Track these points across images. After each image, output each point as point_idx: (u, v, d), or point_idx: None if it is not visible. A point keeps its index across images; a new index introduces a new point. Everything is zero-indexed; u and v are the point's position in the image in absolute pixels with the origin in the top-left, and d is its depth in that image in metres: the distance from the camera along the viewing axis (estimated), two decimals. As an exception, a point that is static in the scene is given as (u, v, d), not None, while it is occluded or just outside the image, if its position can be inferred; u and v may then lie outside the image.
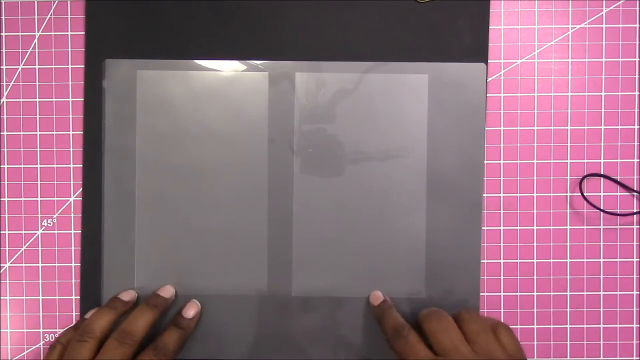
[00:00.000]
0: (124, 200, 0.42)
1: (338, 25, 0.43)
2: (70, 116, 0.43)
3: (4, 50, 0.43)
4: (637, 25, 0.43)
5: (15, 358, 0.43)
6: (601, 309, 0.43)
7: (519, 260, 0.43)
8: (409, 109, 0.42)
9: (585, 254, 0.43)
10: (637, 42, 0.43)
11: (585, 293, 0.43)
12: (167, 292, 0.42)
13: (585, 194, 0.43)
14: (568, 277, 0.43)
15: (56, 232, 0.43)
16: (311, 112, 0.42)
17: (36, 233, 0.43)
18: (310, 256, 0.42)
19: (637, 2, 0.43)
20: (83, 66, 0.43)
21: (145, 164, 0.42)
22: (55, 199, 0.43)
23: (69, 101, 0.43)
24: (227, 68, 0.42)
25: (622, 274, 0.43)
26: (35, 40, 0.43)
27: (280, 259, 0.43)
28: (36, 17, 0.43)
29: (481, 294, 0.43)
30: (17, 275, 0.43)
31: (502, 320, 0.43)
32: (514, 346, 0.36)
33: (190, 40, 0.43)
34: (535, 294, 0.43)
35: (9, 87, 0.43)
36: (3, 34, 0.43)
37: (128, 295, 0.41)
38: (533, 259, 0.43)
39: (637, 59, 0.43)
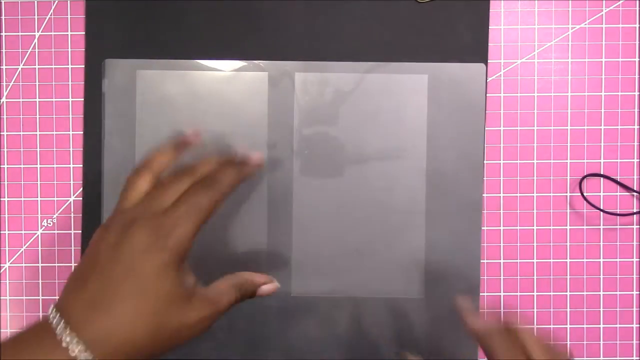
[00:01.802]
0: (124, 200, 0.42)
1: (338, 25, 0.43)
2: (70, 116, 0.43)
3: (4, 50, 0.43)
4: (637, 25, 0.43)
5: (15, 358, 0.43)
6: (601, 309, 0.43)
7: (519, 260, 0.43)
8: (408, 109, 0.42)
9: (585, 254, 0.43)
10: (637, 42, 0.43)
11: (585, 293, 0.43)
12: (258, 158, 0.37)
13: (585, 194, 0.43)
14: (568, 277, 0.43)
15: (56, 232, 0.43)
16: (311, 112, 0.42)
17: (36, 233, 0.43)
18: (310, 256, 0.42)
19: (637, 2, 0.43)
20: (83, 66, 0.43)
21: (145, 164, 0.42)
22: (55, 199, 0.43)
23: (69, 101, 0.43)
24: (227, 68, 0.42)
25: (622, 274, 0.43)
26: (35, 40, 0.43)
27: (280, 259, 0.43)
28: (36, 17, 0.43)
29: (481, 294, 0.43)
30: (17, 275, 0.43)
31: (502, 321, 0.43)
32: None
33: (190, 40, 0.43)
34: (535, 294, 0.43)
35: (9, 87, 0.43)
36: (3, 34, 0.43)
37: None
38: (533, 259, 0.43)
39: (637, 59, 0.43)
